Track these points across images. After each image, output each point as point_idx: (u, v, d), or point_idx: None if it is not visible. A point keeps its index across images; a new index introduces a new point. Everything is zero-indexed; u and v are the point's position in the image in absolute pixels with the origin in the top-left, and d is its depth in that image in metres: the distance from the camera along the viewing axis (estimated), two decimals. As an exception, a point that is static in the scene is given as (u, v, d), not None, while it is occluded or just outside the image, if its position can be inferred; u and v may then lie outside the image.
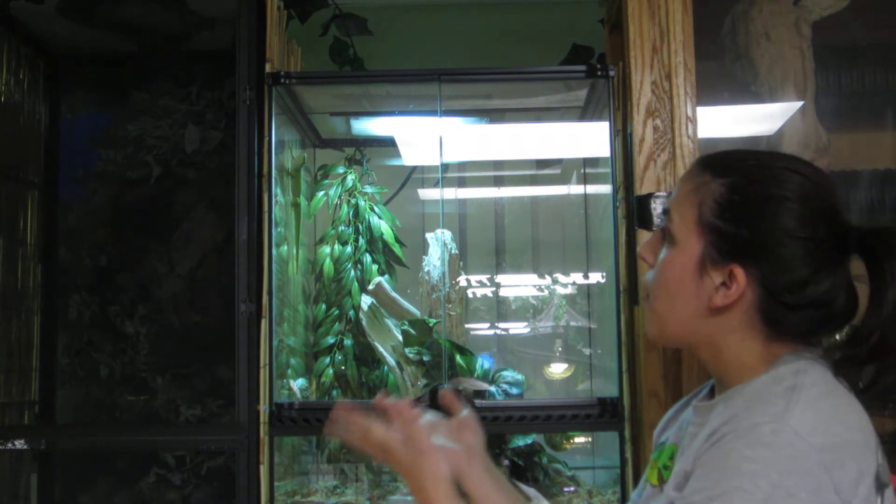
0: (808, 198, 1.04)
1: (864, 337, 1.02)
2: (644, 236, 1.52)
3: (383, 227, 2.09)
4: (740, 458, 0.90)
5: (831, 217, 1.05)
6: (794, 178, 1.05)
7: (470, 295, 2.22)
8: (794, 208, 1.03)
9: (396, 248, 2.09)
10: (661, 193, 1.55)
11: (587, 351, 2.15)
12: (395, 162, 2.22)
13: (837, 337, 1.09)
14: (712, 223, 1.06)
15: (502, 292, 2.26)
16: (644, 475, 1.24)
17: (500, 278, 2.26)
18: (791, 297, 1.03)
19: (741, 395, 1.02)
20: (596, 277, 2.15)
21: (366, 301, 1.98)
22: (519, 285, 2.26)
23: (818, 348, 1.07)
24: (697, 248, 1.06)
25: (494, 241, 2.28)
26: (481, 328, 2.23)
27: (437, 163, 1.88)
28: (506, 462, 1.88)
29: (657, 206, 1.53)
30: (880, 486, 0.97)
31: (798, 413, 0.93)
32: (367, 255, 2.08)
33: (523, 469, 1.91)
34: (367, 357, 2.03)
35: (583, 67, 1.77)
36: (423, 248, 2.00)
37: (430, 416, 1.13)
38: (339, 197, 2.10)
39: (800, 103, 1.79)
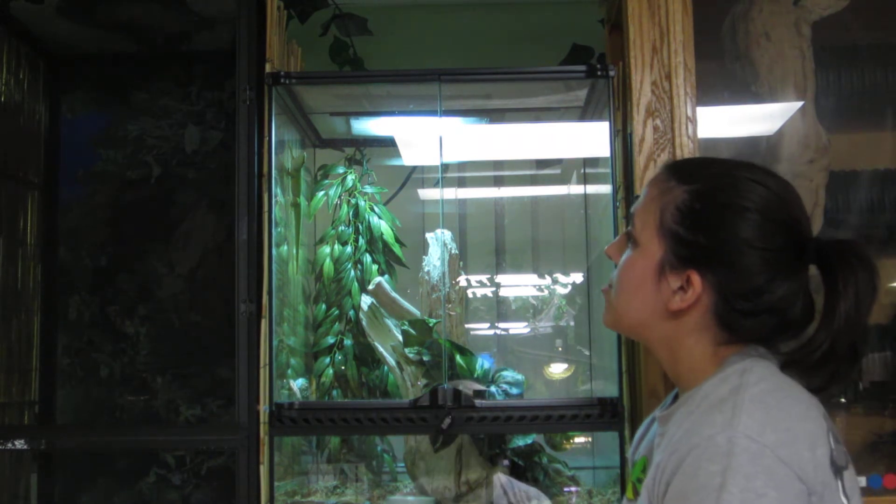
0: (768, 209, 1.07)
1: (816, 345, 1.05)
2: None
3: (383, 227, 2.09)
4: (707, 474, 0.93)
5: (791, 228, 1.08)
6: (756, 189, 1.07)
7: (470, 295, 2.22)
8: (754, 218, 1.06)
9: (396, 248, 2.09)
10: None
11: (587, 351, 2.15)
12: (395, 162, 2.22)
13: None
14: (672, 229, 1.09)
15: (502, 292, 2.26)
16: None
17: (500, 278, 2.26)
18: (746, 303, 1.06)
19: (693, 401, 1.06)
20: (596, 278, 2.15)
21: (366, 301, 1.98)
22: (519, 285, 2.26)
23: (763, 347, 1.09)
24: (658, 252, 1.10)
25: (494, 241, 2.28)
26: (481, 328, 2.23)
27: (437, 163, 1.88)
28: (505, 462, 1.88)
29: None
30: (837, 470, 0.99)
31: (745, 417, 0.96)
32: (367, 255, 2.08)
33: (523, 469, 1.91)
34: (367, 357, 2.03)
35: (583, 67, 1.77)
36: (423, 248, 2.00)
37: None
38: (339, 197, 2.10)
39: (800, 103, 1.79)
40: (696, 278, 1.07)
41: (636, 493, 1.16)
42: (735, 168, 1.11)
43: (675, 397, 1.20)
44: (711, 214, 1.07)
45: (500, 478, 1.86)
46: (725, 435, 0.94)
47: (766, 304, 1.06)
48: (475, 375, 1.85)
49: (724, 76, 1.85)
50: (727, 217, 1.06)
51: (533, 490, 1.84)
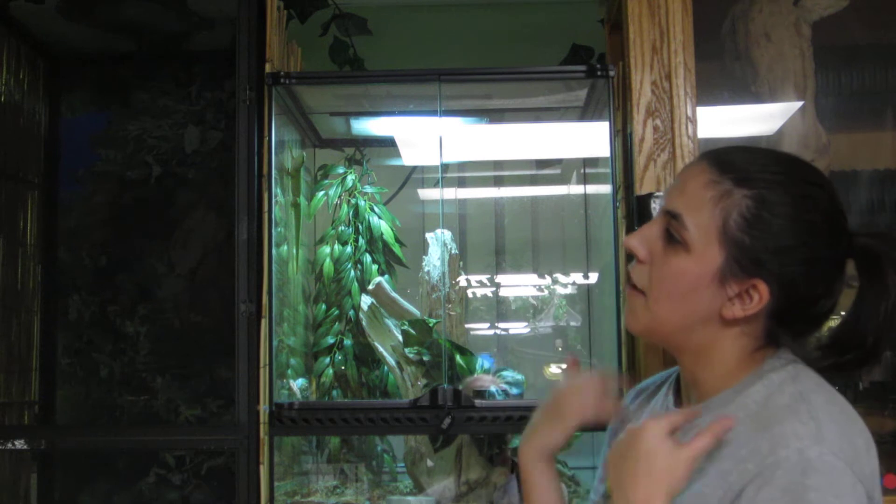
0: (832, 217, 1.03)
1: (855, 344, 1.03)
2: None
3: (383, 227, 2.09)
4: (804, 488, 0.91)
5: (846, 231, 1.05)
6: (819, 196, 1.03)
7: (470, 295, 2.22)
8: (823, 228, 1.02)
9: (396, 248, 2.09)
10: (661, 193, 1.55)
11: (587, 351, 2.15)
12: (395, 162, 2.22)
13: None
14: (737, 237, 1.02)
15: (502, 292, 2.26)
16: (600, 476, 1.25)
17: (499, 278, 2.26)
18: (804, 310, 1.04)
19: (735, 404, 1.03)
20: (596, 277, 2.15)
21: (366, 301, 1.98)
22: (519, 285, 2.26)
23: (792, 348, 1.07)
24: (718, 259, 1.03)
25: (494, 241, 2.28)
26: (481, 328, 2.23)
27: (437, 163, 1.88)
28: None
29: (657, 206, 1.53)
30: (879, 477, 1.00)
31: (827, 432, 0.94)
32: (367, 255, 2.08)
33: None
34: (367, 357, 2.03)
35: (583, 67, 1.77)
36: (423, 248, 2.00)
37: None
38: (339, 197, 2.10)
39: (800, 103, 1.79)
40: (763, 287, 1.01)
41: None
42: (792, 168, 1.06)
43: (677, 389, 1.17)
44: (782, 224, 1.02)
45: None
46: (816, 450, 0.93)
47: (822, 309, 1.04)
48: (475, 376, 1.85)
49: (724, 76, 1.85)
50: (797, 228, 1.02)
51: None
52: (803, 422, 0.96)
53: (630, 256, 1.12)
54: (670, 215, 1.06)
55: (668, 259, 1.06)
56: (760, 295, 1.02)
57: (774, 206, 1.02)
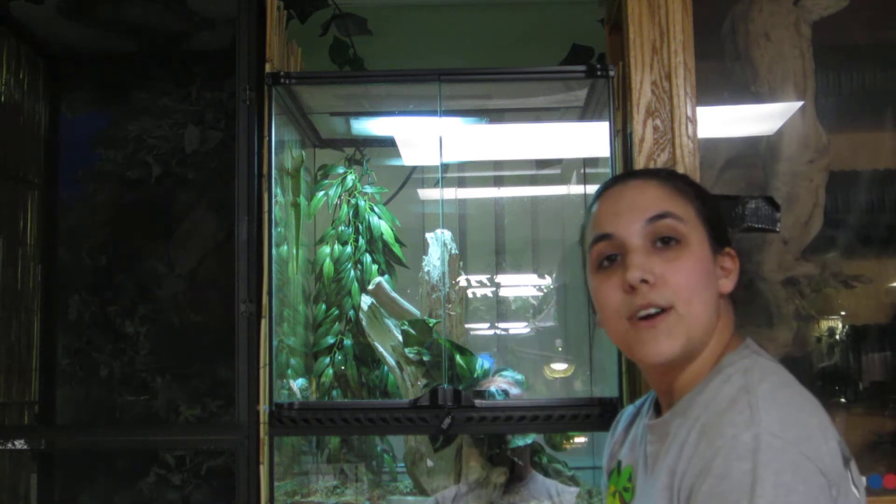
0: None
1: None
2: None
3: (383, 227, 2.09)
4: (739, 472, 0.92)
5: None
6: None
7: (470, 295, 2.21)
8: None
9: (396, 248, 2.09)
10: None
11: (587, 351, 2.15)
12: (395, 162, 2.22)
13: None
14: (706, 215, 1.13)
15: (502, 292, 2.26)
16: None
17: (499, 278, 2.26)
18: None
19: (696, 404, 1.05)
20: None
21: (366, 301, 1.98)
22: (519, 285, 2.26)
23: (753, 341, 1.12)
24: (705, 243, 1.11)
25: (494, 241, 2.28)
26: (481, 328, 2.23)
27: (437, 163, 1.88)
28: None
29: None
30: (845, 461, 1.01)
31: (763, 414, 0.96)
32: (367, 255, 2.08)
33: (523, 469, 1.91)
34: (367, 357, 2.03)
35: (583, 67, 1.77)
36: (423, 248, 2.00)
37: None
38: (339, 197, 2.10)
39: (800, 103, 1.79)
40: (733, 252, 1.14)
41: (623, 502, 1.16)
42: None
43: (656, 405, 1.19)
44: (709, 198, 1.17)
45: (543, 478, 1.87)
46: (750, 433, 0.94)
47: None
48: (475, 375, 1.85)
49: (724, 76, 1.85)
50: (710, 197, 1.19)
51: (569, 490, 1.86)
52: (739, 410, 0.98)
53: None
54: (655, 219, 1.10)
55: (675, 262, 1.09)
56: (733, 259, 1.14)
57: (700, 187, 1.19)
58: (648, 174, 1.19)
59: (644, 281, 1.07)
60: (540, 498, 1.83)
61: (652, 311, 1.08)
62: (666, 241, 1.09)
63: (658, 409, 1.18)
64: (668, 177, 1.16)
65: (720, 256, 1.13)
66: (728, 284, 1.13)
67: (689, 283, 1.08)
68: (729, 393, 1.02)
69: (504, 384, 1.79)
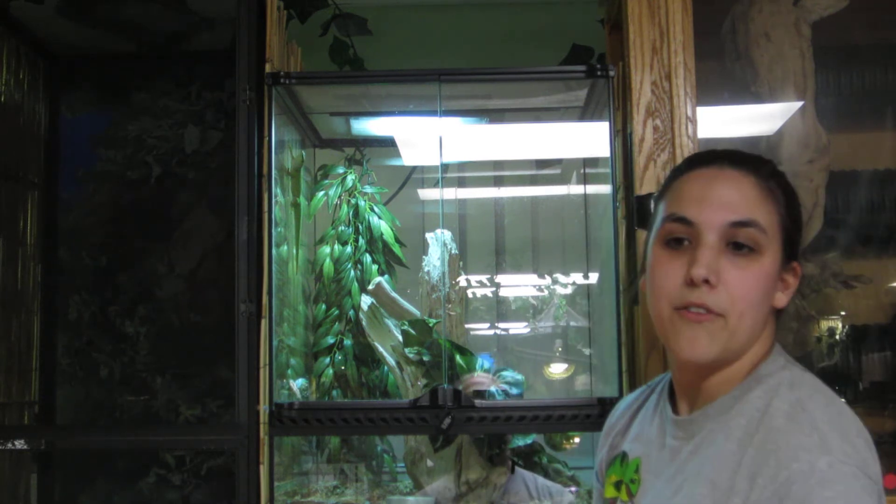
0: None
1: None
2: (643, 236, 1.52)
3: (383, 227, 2.09)
4: (822, 499, 0.92)
5: None
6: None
7: (470, 295, 2.21)
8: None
9: (396, 248, 2.09)
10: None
11: (587, 351, 2.15)
12: (395, 162, 2.22)
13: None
14: (787, 226, 1.09)
15: (502, 292, 2.26)
16: (599, 491, 1.25)
17: (500, 278, 2.26)
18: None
19: (734, 411, 1.05)
20: (596, 277, 2.15)
21: (366, 301, 1.98)
22: (519, 285, 2.26)
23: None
24: (779, 252, 1.08)
25: (494, 241, 2.28)
26: (481, 328, 2.23)
27: (437, 163, 1.88)
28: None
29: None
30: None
31: (831, 440, 0.96)
32: (367, 255, 2.08)
33: (523, 469, 1.91)
34: (367, 357, 2.03)
35: (583, 67, 1.77)
36: (423, 248, 2.00)
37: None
38: (339, 197, 2.10)
39: (800, 103, 1.79)
40: (797, 268, 1.11)
41: (630, 494, 1.15)
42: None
43: (671, 395, 1.17)
44: (798, 206, 1.12)
45: (524, 473, 1.87)
46: (825, 461, 0.94)
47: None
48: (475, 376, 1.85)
49: (724, 76, 1.85)
50: (797, 204, 1.13)
51: (555, 486, 1.86)
52: (807, 433, 0.97)
53: (677, 280, 1.08)
54: (739, 225, 1.06)
55: (742, 271, 1.06)
56: (796, 275, 1.10)
57: (793, 192, 1.12)
58: (748, 166, 1.11)
59: (706, 281, 1.05)
60: (518, 493, 1.83)
61: (703, 310, 1.06)
62: (739, 247, 1.06)
63: (672, 399, 1.16)
64: (766, 176, 1.10)
65: (784, 270, 1.09)
66: (783, 299, 1.09)
67: (748, 296, 1.05)
68: (781, 408, 1.01)
69: (488, 383, 1.79)
